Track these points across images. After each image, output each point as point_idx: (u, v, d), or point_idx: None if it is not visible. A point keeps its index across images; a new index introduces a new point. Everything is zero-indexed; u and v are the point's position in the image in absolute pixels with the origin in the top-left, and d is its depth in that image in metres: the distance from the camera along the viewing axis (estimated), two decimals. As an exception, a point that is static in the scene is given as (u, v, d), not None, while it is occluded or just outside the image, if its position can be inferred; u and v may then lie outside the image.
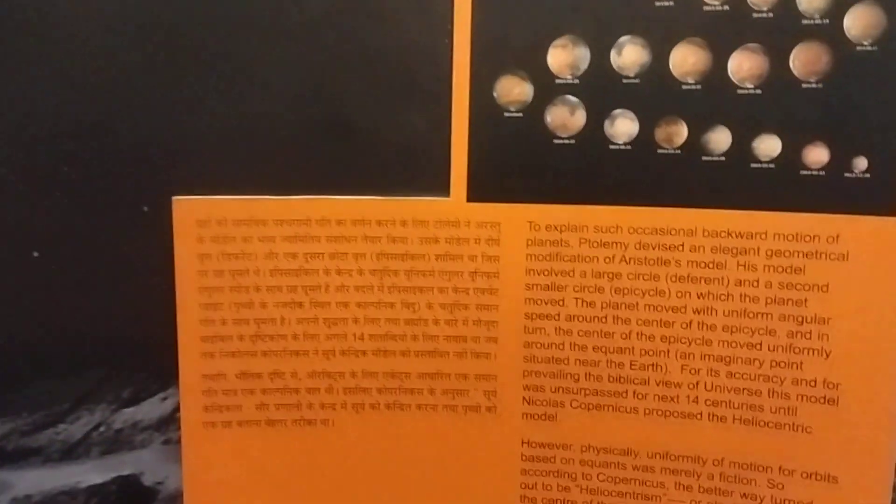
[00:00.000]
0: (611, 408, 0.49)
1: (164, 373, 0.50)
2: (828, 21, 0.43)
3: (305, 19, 0.47)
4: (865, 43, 0.42)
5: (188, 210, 0.49)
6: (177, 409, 0.51)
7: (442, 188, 0.48)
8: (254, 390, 0.50)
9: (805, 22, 0.43)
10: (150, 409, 0.51)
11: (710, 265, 0.46)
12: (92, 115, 0.48)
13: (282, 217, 0.49)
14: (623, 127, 0.46)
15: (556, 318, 0.48)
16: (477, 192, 0.48)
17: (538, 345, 0.49)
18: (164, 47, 0.47)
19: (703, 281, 0.46)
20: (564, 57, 0.46)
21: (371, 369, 0.50)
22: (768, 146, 0.44)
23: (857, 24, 0.42)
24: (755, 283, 0.45)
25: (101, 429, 0.51)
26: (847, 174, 0.43)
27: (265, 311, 0.49)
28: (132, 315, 0.50)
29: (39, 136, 0.48)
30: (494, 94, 0.47)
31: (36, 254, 0.49)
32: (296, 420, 0.51)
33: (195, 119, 0.48)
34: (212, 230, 0.49)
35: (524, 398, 0.50)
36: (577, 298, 0.48)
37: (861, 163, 0.43)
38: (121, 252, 0.49)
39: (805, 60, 0.43)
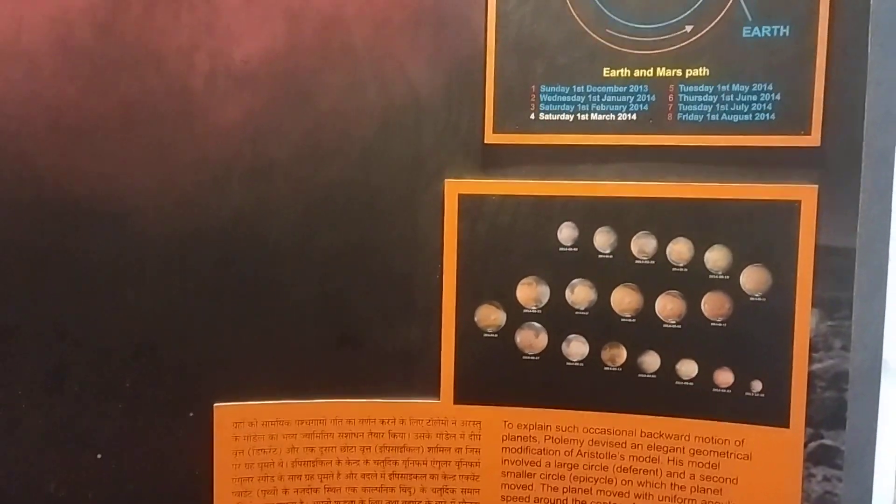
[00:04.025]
0: (573, 578, 0.60)
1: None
2: (728, 277, 0.56)
3: (320, 257, 0.59)
4: (757, 294, 0.56)
5: (226, 414, 0.59)
6: (210, 581, 0.60)
7: (433, 393, 0.60)
8: (277, 565, 0.60)
9: (711, 276, 0.56)
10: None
11: (647, 459, 0.58)
12: (149, 340, 0.59)
13: (302, 418, 0.60)
14: (576, 348, 0.59)
15: (527, 500, 0.60)
16: (462, 397, 0.60)
17: (513, 522, 0.60)
18: (205, 284, 0.59)
19: (642, 472, 0.58)
20: (530, 292, 0.59)
21: (375, 545, 0.60)
22: (688, 369, 0.57)
23: (750, 280, 0.56)
24: (682, 475, 0.58)
25: None
26: (747, 393, 0.56)
27: (286, 497, 0.60)
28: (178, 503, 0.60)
29: (108, 360, 0.59)
30: (475, 319, 0.59)
31: (99, 455, 0.59)
32: (312, 590, 0.60)
33: (230, 341, 0.59)
34: (245, 430, 0.59)
35: (502, 567, 0.60)
36: (543, 484, 0.59)
37: (757, 385, 0.56)
38: (169, 450, 0.59)
39: (712, 305, 0.57)
